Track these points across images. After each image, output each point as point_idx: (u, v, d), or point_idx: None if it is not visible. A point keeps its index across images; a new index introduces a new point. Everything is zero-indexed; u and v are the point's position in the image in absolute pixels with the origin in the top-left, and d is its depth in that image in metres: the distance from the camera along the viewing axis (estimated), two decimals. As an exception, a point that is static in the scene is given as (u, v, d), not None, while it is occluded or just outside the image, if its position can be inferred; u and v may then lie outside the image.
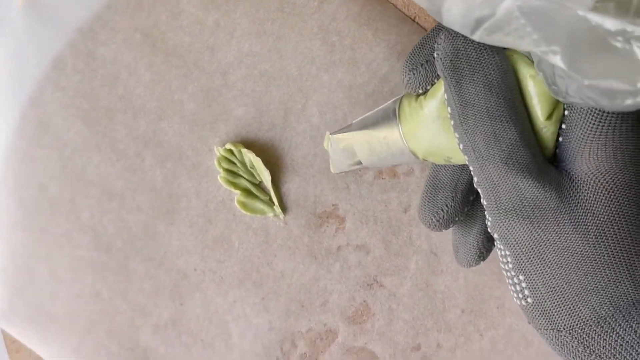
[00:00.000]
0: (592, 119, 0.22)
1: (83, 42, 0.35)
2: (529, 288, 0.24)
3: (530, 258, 0.23)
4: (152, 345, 0.36)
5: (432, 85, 0.26)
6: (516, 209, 0.23)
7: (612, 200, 0.22)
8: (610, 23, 0.18)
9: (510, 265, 0.24)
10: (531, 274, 0.24)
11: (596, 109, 0.22)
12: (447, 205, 0.27)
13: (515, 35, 0.19)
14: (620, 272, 0.22)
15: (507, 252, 0.24)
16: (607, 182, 0.22)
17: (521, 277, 0.24)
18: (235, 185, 0.35)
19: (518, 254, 0.24)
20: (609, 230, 0.22)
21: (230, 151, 0.35)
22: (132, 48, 0.35)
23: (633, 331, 0.22)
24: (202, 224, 0.36)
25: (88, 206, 0.36)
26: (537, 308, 0.24)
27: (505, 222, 0.24)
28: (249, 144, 0.36)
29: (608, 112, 0.22)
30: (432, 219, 0.28)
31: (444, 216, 0.27)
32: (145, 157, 0.36)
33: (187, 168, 0.36)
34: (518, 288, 0.24)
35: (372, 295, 0.36)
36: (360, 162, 0.31)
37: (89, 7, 0.35)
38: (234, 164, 0.35)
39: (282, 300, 0.36)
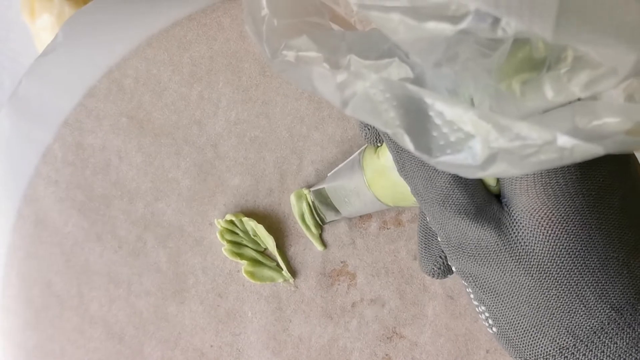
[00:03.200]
0: None
1: (70, 134, 0.35)
2: (491, 318, 0.24)
3: (485, 291, 0.24)
4: None
5: None
6: (462, 246, 0.23)
7: (549, 235, 0.21)
8: (428, 96, 0.18)
9: (472, 296, 0.25)
10: (490, 306, 0.24)
11: None
12: (443, 252, 0.27)
13: (372, 115, 0.19)
14: (571, 302, 0.22)
15: (465, 284, 0.25)
16: (542, 218, 0.22)
17: (483, 307, 0.24)
18: (240, 256, 0.35)
19: (474, 287, 0.24)
20: (552, 264, 0.22)
21: (232, 222, 0.35)
22: (120, 133, 0.35)
23: (597, 358, 0.21)
24: (212, 299, 0.35)
25: (96, 297, 0.35)
26: (502, 338, 0.24)
27: (456, 257, 0.24)
28: (249, 212, 0.35)
29: None
30: (433, 268, 0.27)
31: (443, 262, 0.27)
32: (146, 239, 0.35)
33: (190, 245, 0.35)
34: (483, 317, 0.25)
35: (393, 347, 0.35)
36: (339, 213, 0.33)
37: (72, 98, 0.35)
38: (237, 234, 0.35)
39: (304, 365, 0.35)
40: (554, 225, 0.21)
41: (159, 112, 0.35)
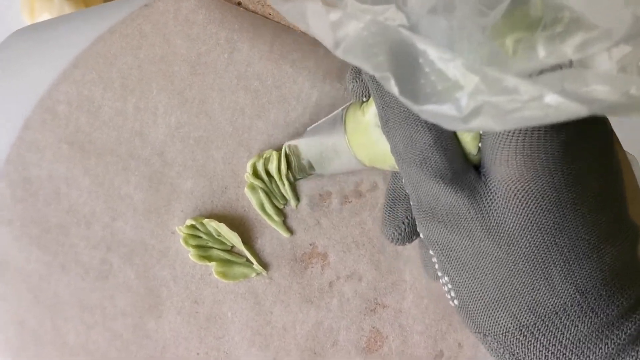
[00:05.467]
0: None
1: (14, 170, 0.34)
2: (454, 290, 0.24)
3: (450, 260, 0.23)
4: None
5: None
6: (433, 211, 0.23)
7: (523, 209, 0.21)
8: (420, 42, 0.18)
9: (436, 266, 0.25)
10: (453, 277, 0.24)
11: None
12: (407, 218, 0.27)
13: (362, 57, 0.18)
14: (536, 279, 0.21)
15: (432, 253, 0.24)
16: (518, 190, 0.21)
17: (446, 279, 0.24)
18: (209, 258, 0.34)
19: (439, 256, 0.24)
20: (522, 238, 0.21)
21: (193, 226, 0.34)
22: (63, 160, 0.34)
23: (557, 340, 0.21)
24: (189, 307, 0.35)
25: (72, 327, 0.35)
26: (463, 311, 0.24)
27: (426, 223, 0.24)
28: (209, 214, 0.35)
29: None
30: (394, 233, 0.27)
31: (405, 229, 0.27)
32: (111, 261, 0.35)
33: (157, 257, 0.35)
34: (446, 289, 0.25)
35: (378, 318, 0.35)
36: (313, 169, 0.32)
37: (8, 133, 0.34)
38: (201, 237, 0.35)
39: (294, 354, 0.35)
40: (529, 199, 0.21)
41: (98, 131, 0.34)
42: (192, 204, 0.35)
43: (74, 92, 0.34)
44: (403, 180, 0.25)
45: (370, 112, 0.27)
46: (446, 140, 0.23)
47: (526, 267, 0.21)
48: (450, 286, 0.24)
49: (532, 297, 0.22)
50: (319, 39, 0.19)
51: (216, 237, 0.35)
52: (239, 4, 0.35)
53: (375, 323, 0.35)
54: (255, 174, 0.34)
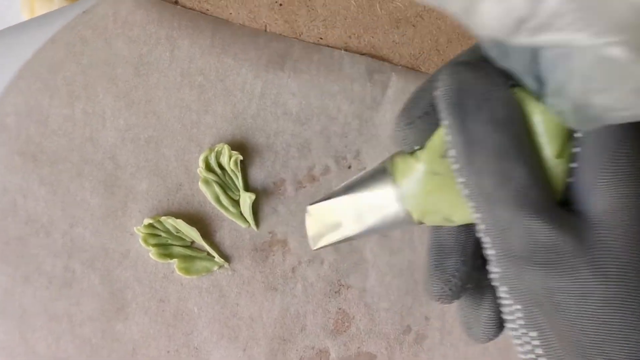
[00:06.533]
0: (605, 155, 0.21)
1: (-31, 187, 0.35)
2: (542, 346, 0.22)
3: (543, 310, 0.21)
4: None
5: (429, 138, 0.25)
6: (528, 255, 0.21)
7: (632, 238, 0.20)
8: None
9: (522, 322, 0.22)
10: (545, 329, 0.22)
11: (609, 144, 0.21)
12: (458, 271, 0.25)
13: (569, 29, 0.16)
14: None
15: (518, 307, 0.22)
16: (624, 219, 0.20)
17: (533, 334, 0.22)
18: (169, 256, 0.35)
19: (530, 307, 0.22)
20: (631, 270, 0.20)
21: (151, 225, 0.35)
22: (17, 171, 0.35)
23: None
24: (155, 306, 0.35)
25: (40, 337, 0.35)
26: None
27: (515, 271, 0.22)
28: (166, 212, 0.35)
29: (623, 147, 0.20)
30: (443, 289, 0.25)
31: (456, 283, 0.25)
32: (74, 268, 0.35)
33: (118, 260, 0.35)
34: (529, 348, 0.22)
35: (343, 299, 0.35)
36: (346, 234, 0.28)
37: (-40, 151, 0.35)
38: (160, 236, 0.35)
39: (263, 343, 0.35)
40: (637, 226, 0.20)
41: (49, 140, 0.35)
42: (148, 203, 0.35)
43: (21, 102, 0.34)
44: (483, 227, 0.22)
45: (427, 159, 0.25)
46: (541, 174, 0.21)
47: (634, 304, 0.20)
48: (537, 342, 0.22)
49: (635, 337, 0.20)
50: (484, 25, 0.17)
51: (175, 234, 0.35)
52: (176, 2, 0.35)
53: (341, 304, 0.35)
54: (208, 167, 0.34)
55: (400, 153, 0.26)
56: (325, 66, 0.34)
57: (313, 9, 0.34)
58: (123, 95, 0.35)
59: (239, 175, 0.34)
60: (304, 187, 0.35)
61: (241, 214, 0.35)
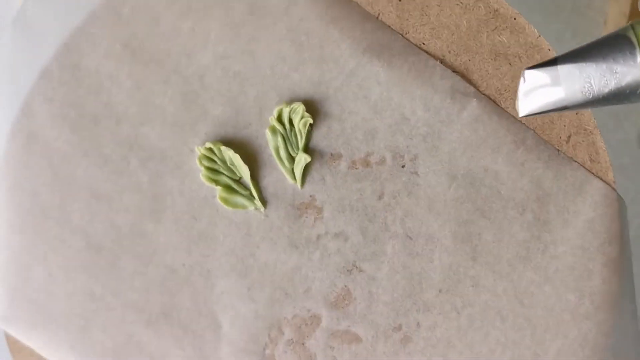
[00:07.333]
0: None
1: (68, 55, 0.38)
2: None
3: None
4: (145, 339, 0.38)
5: None
6: None
7: None
8: None
9: None
10: None
11: None
12: None
13: None
14: None
15: None
16: None
17: None
18: (216, 182, 0.37)
19: None
20: None
21: (211, 150, 0.37)
22: (113, 58, 0.37)
23: None
24: (187, 220, 0.38)
25: (78, 209, 0.38)
26: None
27: None
28: (228, 142, 0.37)
29: None
30: None
31: None
32: (130, 160, 0.38)
33: (171, 168, 0.38)
34: None
35: (352, 280, 0.37)
36: (565, 104, 0.27)
37: (72, 22, 0.37)
38: (215, 161, 0.37)
39: (267, 290, 0.38)
40: None
41: (151, 41, 0.37)
42: (215, 129, 0.37)
43: None
44: None
45: None
46: None
47: None
48: None
49: None
50: None
51: (229, 165, 0.37)
52: (309, -37, 0.37)
53: (348, 283, 0.37)
54: (279, 119, 0.37)
55: None
56: (417, 69, 0.36)
57: (426, 15, 0.37)
58: (232, 26, 0.37)
59: (304, 136, 0.37)
60: (356, 169, 0.37)
61: (292, 170, 0.37)
